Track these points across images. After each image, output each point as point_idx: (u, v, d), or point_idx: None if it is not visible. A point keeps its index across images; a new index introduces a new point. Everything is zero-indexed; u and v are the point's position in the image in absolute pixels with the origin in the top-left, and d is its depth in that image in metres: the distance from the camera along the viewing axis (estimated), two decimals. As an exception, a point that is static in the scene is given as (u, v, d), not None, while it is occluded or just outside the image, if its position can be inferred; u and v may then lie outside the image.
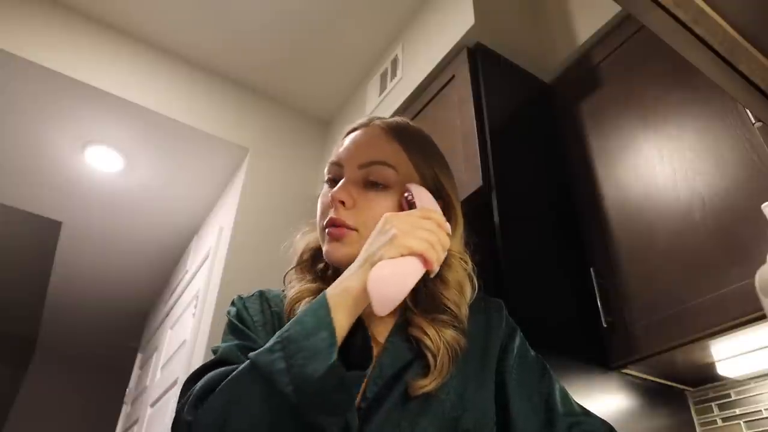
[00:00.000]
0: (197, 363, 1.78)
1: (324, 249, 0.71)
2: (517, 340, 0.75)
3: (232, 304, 0.74)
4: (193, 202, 2.57)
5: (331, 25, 2.06)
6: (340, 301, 0.56)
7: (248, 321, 0.70)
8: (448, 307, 0.70)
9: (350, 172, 0.72)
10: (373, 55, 2.15)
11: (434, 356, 0.64)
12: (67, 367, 4.29)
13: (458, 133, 1.37)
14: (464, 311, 0.70)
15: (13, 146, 2.25)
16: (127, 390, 3.04)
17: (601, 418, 0.74)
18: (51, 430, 4.00)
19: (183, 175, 2.41)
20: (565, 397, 0.73)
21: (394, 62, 1.94)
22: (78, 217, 2.71)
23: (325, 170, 0.78)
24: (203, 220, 2.67)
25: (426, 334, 0.66)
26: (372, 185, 0.71)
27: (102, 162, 2.33)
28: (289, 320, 0.67)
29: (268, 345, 0.54)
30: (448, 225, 0.63)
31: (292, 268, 0.78)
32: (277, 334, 0.55)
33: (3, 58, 1.86)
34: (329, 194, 0.72)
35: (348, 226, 0.68)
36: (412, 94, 1.69)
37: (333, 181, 0.74)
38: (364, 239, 0.67)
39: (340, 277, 0.60)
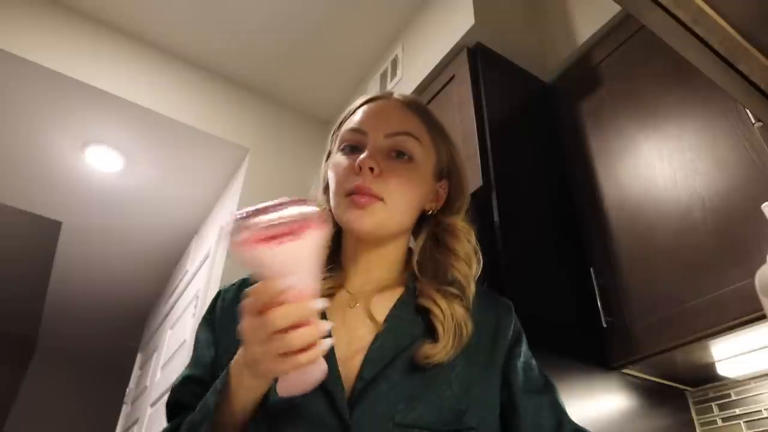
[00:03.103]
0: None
1: (344, 217, 0.68)
2: (524, 345, 0.74)
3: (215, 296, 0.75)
4: (193, 202, 2.57)
5: (331, 25, 2.06)
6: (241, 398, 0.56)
7: (217, 317, 0.72)
8: (457, 278, 0.69)
9: (376, 140, 0.71)
10: (373, 55, 2.14)
11: (443, 328, 0.64)
12: (67, 367, 4.29)
13: (458, 133, 1.36)
14: (472, 287, 0.70)
15: (13, 146, 2.25)
16: (127, 390, 3.04)
17: None
18: (51, 430, 3.99)
19: (183, 175, 2.40)
20: (564, 409, 0.72)
21: (394, 62, 1.94)
22: (78, 217, 2.71)
23: (339, 137, 0.76)
24: (203, 220, 2.67)
25: (437, 304, 0.66)
26: (397, 155, 0.71)
27: (102, 162, 2.32)
28: None
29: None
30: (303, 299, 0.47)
31: None
32: (189, 417, 0.59)
33: (3, 58, 1.85)
34: (353, 161, 0.70)
35: (375, 194, 0.67)
36: (412, 94, 1.69)
37: (353, 149, 0.73)
38: (388, 209, 0.68)
39: (239, 380, 0.55)
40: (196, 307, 2.05)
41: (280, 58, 2.21)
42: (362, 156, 0.68)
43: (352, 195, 0.67)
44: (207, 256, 2.16)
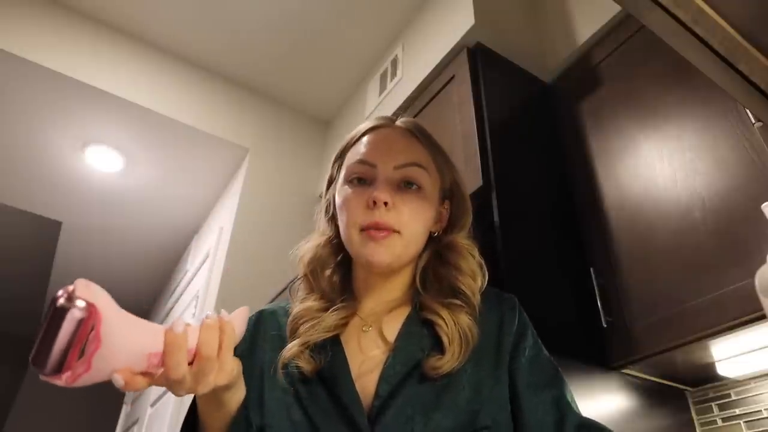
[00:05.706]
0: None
1: (361, 251, 0.70)
2: (530, 339, 0.73)
3: None
4: (193, 202, 2.57)
5: (331, 25, 2.06)
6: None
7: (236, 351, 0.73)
8: (463, 291, 0.70)
9: (386, 172, 0.72)
10: (373, 55, 2.14)
11: (449, 338, 0.65)
12: (67, 367, 4.29)
13: (458, 133, 1.36)
14: (477, 298, 0.71)
15: (13, 146, 2.25)
16: (127, 390, 3.04)
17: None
18: (51, 430, 3.99)
19: (183, 175, 2.40)
20: (574, 402, 0.71)
21: (394, 62, 1.94)
22: (78, 217, 2.71)
23: (345, 166, 0.76)
24: (203, 220, 2.67)
25: (440, 316, 0.67)
26: (407, 186, 0.73)
27: (102, 162, 2.33)
28: (291, 337, 0.69)
29: None
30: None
31: (298, 279, 0.77)
32: None
33: (3, 58, 1.85)
34: (364, 194, 0.71)
35: (392, 227, 0.69)
36: (412, 94, 1.69)
37: (361, 181, 0.73)
38: (404, 240, 0.69)
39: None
40: (196, 307, 2.05)
41: (280, 58, 2.21)
42: (376, 192, 0.69)
43: (368, 230, 0.69)
44: (207, 256, 2.16)
